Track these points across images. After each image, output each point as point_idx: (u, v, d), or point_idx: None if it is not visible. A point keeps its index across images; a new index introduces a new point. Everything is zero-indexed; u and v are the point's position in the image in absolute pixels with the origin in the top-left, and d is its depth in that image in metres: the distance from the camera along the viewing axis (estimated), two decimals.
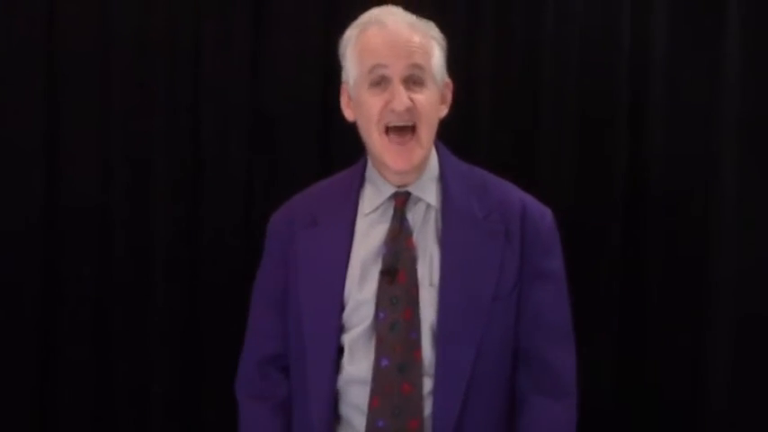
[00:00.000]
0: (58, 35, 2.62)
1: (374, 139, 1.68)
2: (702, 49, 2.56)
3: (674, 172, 2.60)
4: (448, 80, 1.74)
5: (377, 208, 1.73)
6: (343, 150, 2.57)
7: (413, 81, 1.65)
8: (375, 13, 1.70)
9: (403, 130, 1.65)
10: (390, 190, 1.73)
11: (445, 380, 1.63)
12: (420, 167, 1.71)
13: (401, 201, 1.72)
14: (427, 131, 1.67)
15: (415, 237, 1.69)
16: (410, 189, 1.72)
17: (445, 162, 1.76)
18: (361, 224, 1.73)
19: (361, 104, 1.68)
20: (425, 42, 1.67)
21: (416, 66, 1.64)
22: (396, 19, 1.67)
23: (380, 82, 1.65)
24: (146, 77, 2.63)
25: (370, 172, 1.76)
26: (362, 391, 1.65)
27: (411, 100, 1.64)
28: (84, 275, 2.65)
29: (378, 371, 1.64)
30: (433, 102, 1.68)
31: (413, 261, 1.67)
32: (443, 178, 1.73)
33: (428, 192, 1.72)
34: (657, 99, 2.58)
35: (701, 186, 2.58)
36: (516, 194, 1.76)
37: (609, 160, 2.61)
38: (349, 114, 1.74)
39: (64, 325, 2.66)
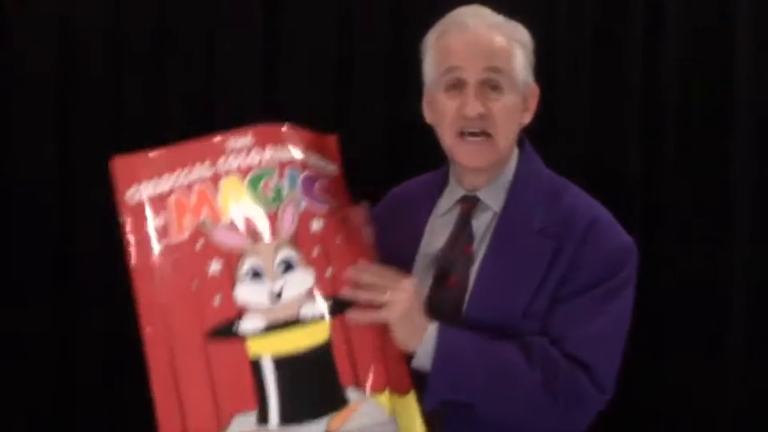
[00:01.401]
0: (70, 35, 2.62)
1: (447, 141, 1.65)
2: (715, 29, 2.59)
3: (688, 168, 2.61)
4: (533, 85, 1.68)
5: (447, 211, 1.72)
6: (356, 151, 2.58)
7: (490, 86, 1.59)
8: (458, 13, 1.65)
9: (476, 136, 1.61)
10: (460, 193, 1.71)
11: None
12: (492, 171, 1.67)
13: (468, 207, 1.70)
14: (504, 138, 1.63)
15: (476, 244, 1.66)
16: (479, 195, 1.69)
17: (523, 169, 1.71)
18: (433, 224, 1.73)
19: (437, 106, 1.64)
20: (507, 44, 1.61)
21: (494, 69, 1.59)
22: (477, 21, 1.61)
23: (456, 85, 1.61)
24: (159, 78, 2.63)
25: (451, 174, 1.75)
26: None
27: (486, 107, 1.58)
28: (96, 277, 2.66)
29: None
30: (511, 109, 1.62)
31: (467, 268, 1.65)
32: (513, 186, 1.68)
33: (496, 199, 1.69)
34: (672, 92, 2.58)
35: (714, 178, 2.58)
36: (590, 212, 1.66)
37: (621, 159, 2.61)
38: (427, 115, 1.71)
39: (76, 326, 2.67)
